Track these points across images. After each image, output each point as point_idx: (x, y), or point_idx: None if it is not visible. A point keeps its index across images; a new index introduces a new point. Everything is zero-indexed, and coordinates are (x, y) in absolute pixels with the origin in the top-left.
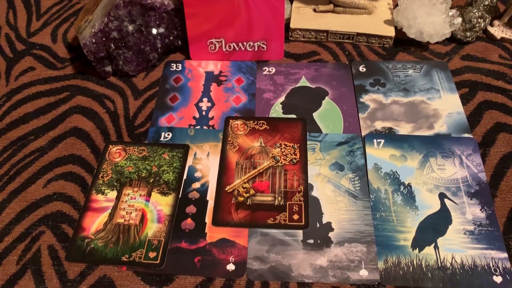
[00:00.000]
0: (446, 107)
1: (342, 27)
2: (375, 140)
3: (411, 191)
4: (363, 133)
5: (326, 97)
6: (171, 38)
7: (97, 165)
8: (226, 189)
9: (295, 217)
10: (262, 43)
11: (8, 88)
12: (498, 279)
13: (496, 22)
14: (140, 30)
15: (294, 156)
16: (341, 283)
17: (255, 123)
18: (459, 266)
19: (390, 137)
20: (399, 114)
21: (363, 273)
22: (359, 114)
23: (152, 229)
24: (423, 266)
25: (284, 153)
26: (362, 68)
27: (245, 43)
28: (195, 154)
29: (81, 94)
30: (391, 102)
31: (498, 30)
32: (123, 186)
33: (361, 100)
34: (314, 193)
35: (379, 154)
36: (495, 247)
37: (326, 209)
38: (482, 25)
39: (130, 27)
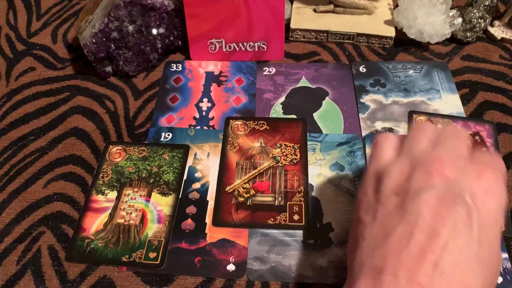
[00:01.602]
0: (446, 107)
1: (342, 28)
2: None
3: None
4: (363, 133)
5: (327, 98)
6: (171, 38)
7: (97, 165)
8: (226, 189)
9: (296, 217)
10: (262, 44)
11: (8, 88)
12: (498, 279)
13: (496, 23)
14: (140, 31)
15: (295, 157)
16: (341, 284)
17: (255, 123)
18: None
19: None
20: (399, 114)
21: None
22: (359, 114)
23: (152, 229)
24: None
25: (284, 153)
26: (362, 69)
27: (245, 43)
28: (195, 155)
29: (81, 94)
30: (391, 103)
31: (498, 31)
32: (123, 186)
33: (361, 100)
34: (314, 193)
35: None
36: None
37: (326, 209)
38: (483, 25)
39: (130, 28)
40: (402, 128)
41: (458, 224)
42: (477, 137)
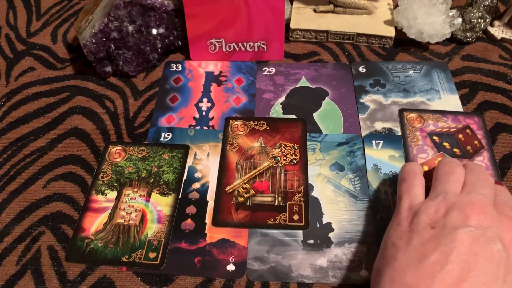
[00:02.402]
0: (446, 107)
1: (342, 28)
2: (373, 141)
3: None
4: (363, 133)
5: (326, 98)
6: (171, 38)
7: (97, 165)
8: (226, 189)
9: (295, 217)
10: (262, 44)
11: (8, 88)
12: None
13: (496, 23)
14: (140, 31)
15: (294, 157)
16: (341, 284)
17: (255, 123)
18: None
19: (389, 138)
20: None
21: (364, 273)
22: (359, 114)
23: (152, 229)
24: None
25: (284, 153)
26: (362, 69)
27: (245, 43)
28: (195, 155)
29: (81, 94)
30: (391, 103)
31: (498, 31)
32: (123, 186)
33: (361, 100)
34: (314, 193)
35: (378, 155)
36: None
37: (326, 209)
38: (483, 25)
39: (130, 28)
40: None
41: (488, 262)
42: (468, 131)
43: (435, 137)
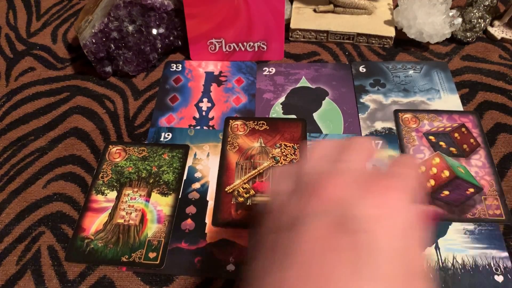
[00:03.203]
0: (446, 107)
1: (342, 28)
2: (373, 142)
3: None
4: (363, 133)
5: (326, 98)
6: (171, 38)
7: (97, 165)
8: (226, 189)
9: None
10: (262, 44)
11: (8, 88)
12: (499, 278)
13: (496, 23)
14: (140, 31)
15: (294, 157)
16: None
17: (255, 123)
18: (460, 266)
19: (388, 138)
20: None
21: None
22: (359, 114)
23: (152, 229)
24: (425, 266)
25: (284, 153)
26: (362, 69)
27: (245, 43)
28: (195, 155)
29: (81, 94)
30: (391, 103)
31: (498, 31)
32: (123, 186)
33: (361, 100)
34: None
35: (377, 155)
36: (496, 246)
37: None
38: (482, 25)
39: (130, 28)
40: None
41: (345, 253)
42: (463, 129)
43: (431, 137)
